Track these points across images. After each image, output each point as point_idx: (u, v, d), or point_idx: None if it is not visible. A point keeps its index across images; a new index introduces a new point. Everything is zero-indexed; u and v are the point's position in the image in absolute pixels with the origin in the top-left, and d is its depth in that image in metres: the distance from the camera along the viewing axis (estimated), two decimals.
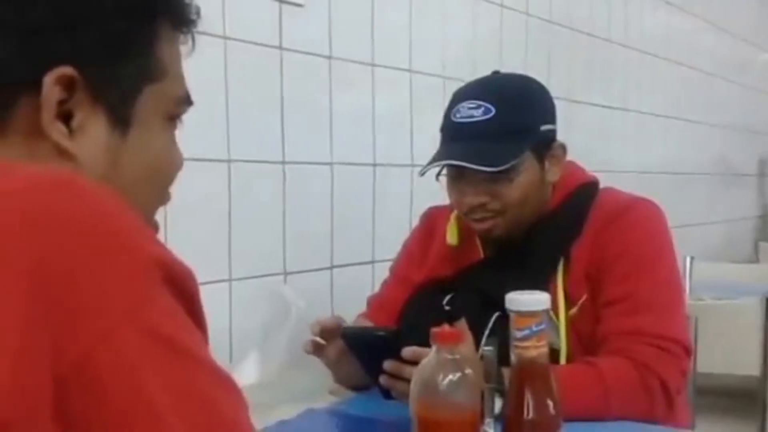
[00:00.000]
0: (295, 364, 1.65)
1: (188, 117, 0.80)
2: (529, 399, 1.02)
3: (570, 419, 1.06)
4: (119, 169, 0.72)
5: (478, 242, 1.64)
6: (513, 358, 1.04)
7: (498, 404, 1.17)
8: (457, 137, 1.53)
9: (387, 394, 1.38)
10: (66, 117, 0.69)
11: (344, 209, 2.16)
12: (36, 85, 0.68)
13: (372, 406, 1.45)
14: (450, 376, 1.04)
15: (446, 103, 1.58)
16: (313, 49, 2.07)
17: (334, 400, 1.54)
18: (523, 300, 1.04)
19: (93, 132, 0.70)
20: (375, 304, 1.74)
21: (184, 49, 0.79)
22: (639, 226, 1.53)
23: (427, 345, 1.09)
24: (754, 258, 4.94)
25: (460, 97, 1.56)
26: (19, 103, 0.68)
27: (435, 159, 1.53)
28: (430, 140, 1.60)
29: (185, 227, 1.58)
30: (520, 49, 2.90)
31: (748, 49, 5.09)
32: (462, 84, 1.63)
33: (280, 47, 1.98)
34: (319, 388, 1.57)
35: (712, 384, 2.52)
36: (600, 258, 1.50)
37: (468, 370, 1.05)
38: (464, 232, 1.65)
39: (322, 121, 2.11)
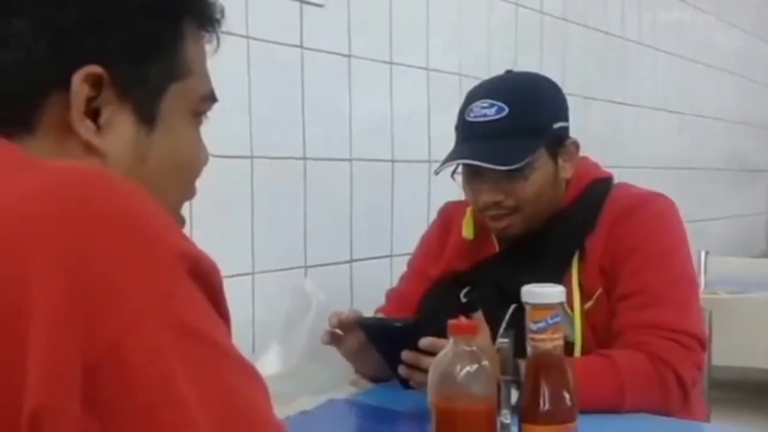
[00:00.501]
0: (315, 355, 1.66)
1: (212, 114, 0.82)
2: (544, 390, 1.01)
3: (585, 411, 1.06)
4: (146, 165, 0.73)
5: (493, 236, 1.65)
6: (529, 350, 1.03)
7: (514, 395, 1.15)
8: (471, 136, 1.55)
9: (406, 383, 1.40)
10: (94, 114, 0.70)
11: (363, 204, 2.19)
12: (65, 84, 0.69)
13: (390, 396, 1.47)
14: (467, 368, 1.04)
15: (462, 101, 1.60)
16: (332, 48, 2.10)
17: (354, 390, 1.56)
18: (539, 292, 1.03)
19: (120, 129, 0.71)
20: (393, 297, 1.75)
21: (208, 47, 0.79)
22: (653, 221, 1.53)
23: (445, 337, 1.09)
24: None
25: (473, 96, 1.58)
26: (48, 101, 0.69)
27: (450, 158, 1.55)
28: (447, 137, 1.62)
29: (210, 221, 1.60)
30: (534, 47, 2.92)
31: (761, 45, 5.07)
32: (478, 82, 1.65)
33: (301, 46, 2.01)
34: (340, 379, 1.58)
35: (727, 377, 2.49)
36: (615, 252, 1.51)
37: (484, 362, 1.05)
38: (480, 226, 1.66)
39: (341, 118, 2.14)
